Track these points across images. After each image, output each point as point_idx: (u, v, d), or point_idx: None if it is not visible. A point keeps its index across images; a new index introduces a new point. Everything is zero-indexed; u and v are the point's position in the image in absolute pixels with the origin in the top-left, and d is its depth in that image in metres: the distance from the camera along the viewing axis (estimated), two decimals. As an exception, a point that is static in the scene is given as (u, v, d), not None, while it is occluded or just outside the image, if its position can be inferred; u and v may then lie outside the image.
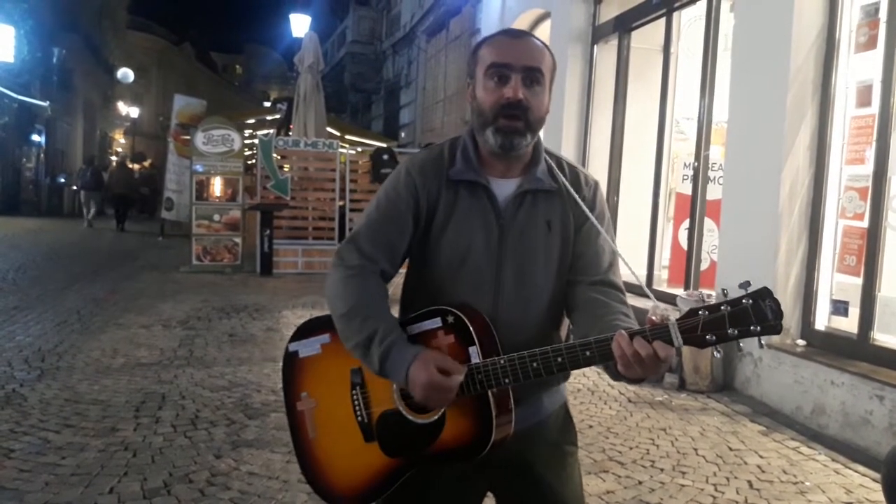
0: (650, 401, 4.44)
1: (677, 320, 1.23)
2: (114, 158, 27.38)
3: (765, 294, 1.19)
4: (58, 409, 3.86)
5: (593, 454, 3.51)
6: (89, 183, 17.60)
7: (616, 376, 1.30)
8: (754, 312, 1.19)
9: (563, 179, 1.49)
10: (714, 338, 1.21)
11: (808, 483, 3.26)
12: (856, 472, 3.40)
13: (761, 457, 3.56)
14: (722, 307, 1.20)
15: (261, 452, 3.35)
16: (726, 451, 3.63)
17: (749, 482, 3.25)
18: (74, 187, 23.48)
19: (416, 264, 1.51)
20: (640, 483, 3.19)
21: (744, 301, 1.19)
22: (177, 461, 3.23)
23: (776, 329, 1.19)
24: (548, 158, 1.51)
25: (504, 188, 1.46)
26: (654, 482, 3.21)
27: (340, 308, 1.42)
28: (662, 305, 1.31)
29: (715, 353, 1.25)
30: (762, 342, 1.22)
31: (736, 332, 1.20)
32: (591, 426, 3.94)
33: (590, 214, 1.48)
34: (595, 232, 1.49)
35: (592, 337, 1.30)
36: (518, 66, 1.39)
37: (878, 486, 3.14)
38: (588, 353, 1.29)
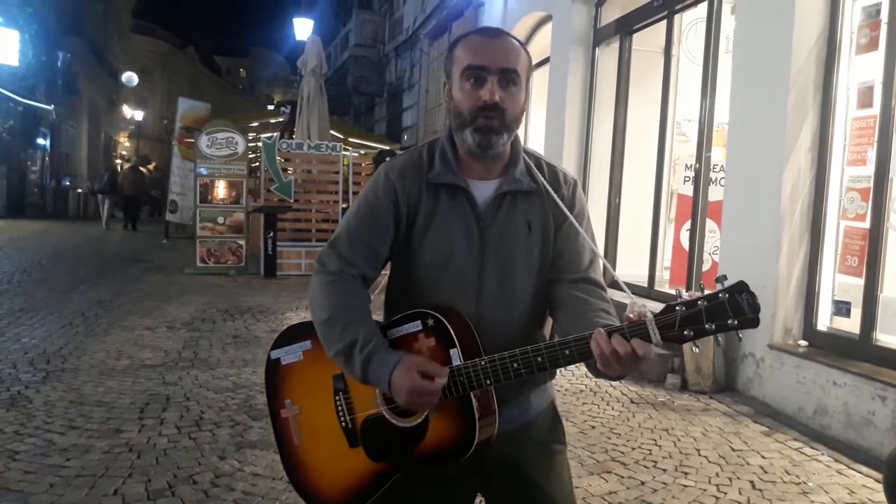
0: (652, 401, 4.45)
1: (655, 317, 1.22)
2: (118, 161, 27.51)
3: (741, 288, 1.19)
4: (62, 411, 3.88)
5: (596, 455, 3.52)
6: (106, 186, 18.56)
7: (597, 373, 1.31)
8: (731, 306, 1.18)
9: (542, 179, 1.49)
10: (692, 333, 1.21)
11: (810, 484, 3.27)
12: (858, 472, 3.41)
13: (764, 457, 3.57)
14: (699, 302, 1.20)
15: (265, 453, 3.36)
16: (729, 451, 3.63)
17: (752, 483, 3.26)
18: (80, 190, 23.64)
19: (399, 268, 1.52)
20: (642, 483, 3.20)
21: (720, 295, 1.19)
22: (181, 462, 3.24)
23: (753, 322, 1.19)
24: (526, 158, 1.51)
25: (483, 190, 1.47)
26: (657, 483, 3.22)
27: (321, 315, 1.43)
28: (640, 301, 1.30)
29: (693, 348, 1.25)
30: (740, 336, 1.21)
31: (713, 326, 1.19)
32: (593, 427, 3.94)
33: (568, 214, 1.48)
34: (574, 231, 1.49)
35: (571, 336, 1.30)
36: (494, 68, 1.38)
37: (881, 487, 3.15)
38: (567, 351, 1.29)
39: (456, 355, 1.35)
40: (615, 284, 2.96)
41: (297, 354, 1.52)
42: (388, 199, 1.47)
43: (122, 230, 17.50)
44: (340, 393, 1.46)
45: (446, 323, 1.37)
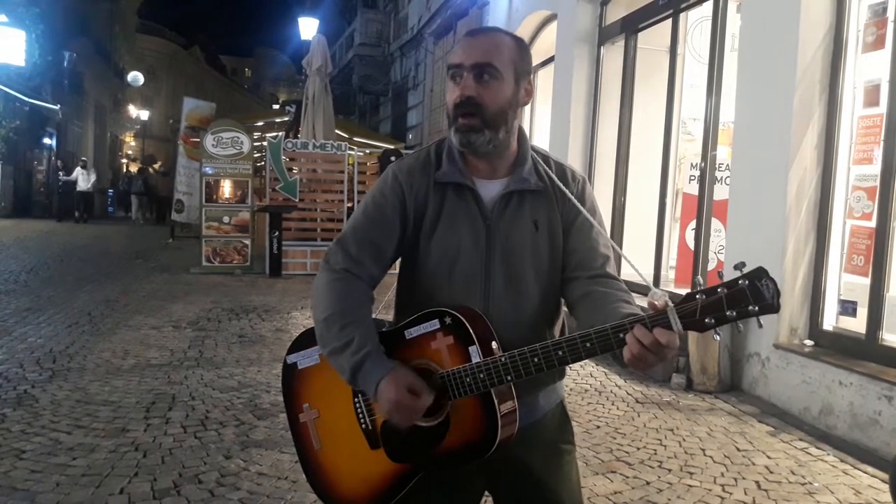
0: (658, 401, 4.44)
1: (676, 305, 1.22)
2: (124, 162, 27.61)
3: (760, 274, 1.18)
4: (69, 410, 3.89)
5: (601, 454, 3.52)
6: (139, 187, 21.64)
7: (625, 365, 1.31)
8: (751, 293, 1.18)
9: (552, 176, 1.49)
10: (713, 321, 1.20)
11: (816, 484, 3.26)
12: (864, 472, 3.39)
13: (769, 457, 3.56)
14: (719, 290, 1.19)
15: (270, 453, 3.37)
16: (734, 451, 3.63)
17: (757, 483, 3.25)
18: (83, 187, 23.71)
19: (408, 267, 1.52)
20: (647, 483, 3.20)
21: (740, 282, 1.18)
22: (186, 462, 3.25)
23: (774, 308, 1.18)
24: (535, 156, 1.51)
25: (490, 189, 1.47)
26: (662, 483, 3.21)
27: (321, 312, 1.43)
28: (660, 291, 1.28)
29: (715, 336, 1.24)
30: (761, 322, 1.21)
31: (734, 313, 1.19)
32: (598, 426, 3.94)
33: (581, 208, 1.48)
34: (587, 226, 1.48)
35: (592, 328, 1.29)
36: (467, 64, 1.40)
37: (887, 488, 3.14)
38: (588, 344, 1.28)
39: (475, 352, 1.35)
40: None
41: (314, 358, 1.51)
42: (396, 198, 1.47)
43: (153, 224, 20.53)
44: (360, 395, 1.45)
45: (464, 321, 1.37)
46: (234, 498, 2.90)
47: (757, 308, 1.18)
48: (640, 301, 1.32)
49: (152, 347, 5.41)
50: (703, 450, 3.63)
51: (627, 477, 3.26)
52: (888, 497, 3.04)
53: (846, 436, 3.82)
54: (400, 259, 1.54)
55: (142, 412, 3.91)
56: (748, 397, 4.54)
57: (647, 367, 1.26)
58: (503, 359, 1.33)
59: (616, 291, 1.42)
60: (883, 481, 3.24)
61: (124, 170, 32.13)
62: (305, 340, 1.54)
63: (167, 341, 5.63)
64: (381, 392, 1.34)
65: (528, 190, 1.47)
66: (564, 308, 1.56)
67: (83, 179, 19.74)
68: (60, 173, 20.34)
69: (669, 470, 3.36)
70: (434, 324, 1.39)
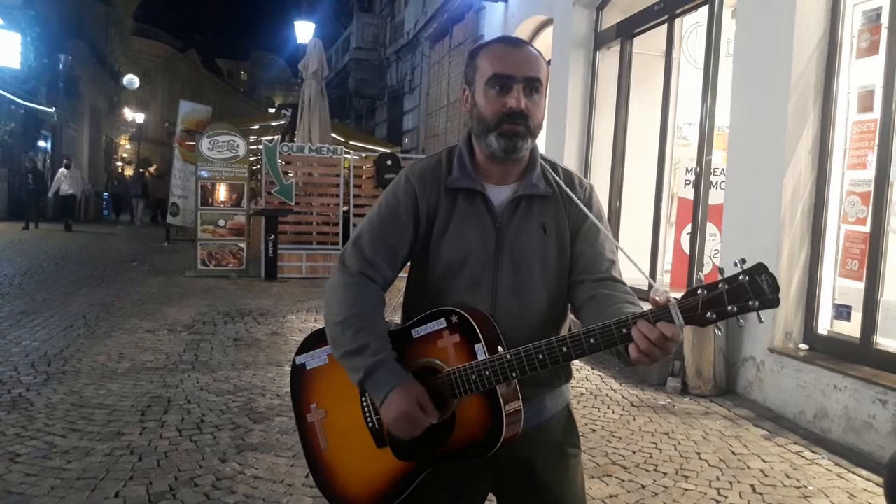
0: (653, 405, 4.45)
1: (678, 301, 1.25)
2: (118, 164, 27.57)
3: (760, 269, 1.21)
4: (64, 414, 3.88)
5: (596, 458, 3.52)
6: (139, 191, 23.07)
7: (627, 363, 1.32)
8: (751, 288, 1.20)
9: (560, 182, 1.53)
10: (714, 315, 1.22)
11: (811, 487, 3.27)
12: (859, 476, 3.41)
13: (764, 461, 3.57)
14: (720, 285, 1.22)
15: (266, 456, 3.37)
16: (729, 455, 3.63)
17: (752, 486, 3.26)
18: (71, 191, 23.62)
19: (418, 269, 1.54)
20: (643, 487, 3.20)
21: (740, 277, 1.21)
22: (182, 465, 3.25)
23: (774, 302, 1.21)
24: (543, 163, 1.55)
25: (500, 194, 1.50)
26: (657, 486, 3.22)
27: (336, 315, 1.45)
28: (661, 289, 1.33)
29: (716, 330, 1.27)
30: (761, 317, 1.23)
31: (735, 308, 1.21)
32: (594, 430, 3.95)
33: (588, 213, 1.51)
34: (594, 231, 1.52)
35: (596, 325, 1.31)
36: (520, 76, 1.43)
37: (881, 491, 3.15)
38: (592, 340, 1.30)
39: (481, 350, 1.37)
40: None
41: (322, 358, 1.53)
42: (409, 200, 1.50)
43: (150, 223, 21.91)
44: (367, 394, 1.46)
45: (470, 319, 1.39)
46: (230, 502, 2.90)
47: (757, 303, 1.20)
48: (644, 306, 1.34)
49: (147, 351, 5.40)
50: (699, 453, 3.64)
51: (623, 480, 3.27)
52: (882, 501, 3.05)
53: (841, 439, 3.83)
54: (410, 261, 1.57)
55: (137, 416, 3.90)
56: (743, 401, 4.56)
57: (653, 362, 1.29)
58: (508, 356, 1.35)
59: (621, 294, 1.45)
60: (877, 485, 3.26)
61: (117, 172, 32.04)
62: (313, 341, 1.56)
63: (162, 345, 5.62)
64: (392, 401, 1.35)
65: (536, 195, 1.50)
66: (571, 315, 1.58)
67: (66, 182, 18.18)
68: (30, 175, 19.12)
69: (665, 473, 3.37)
70: (440, 322, 1.41)
